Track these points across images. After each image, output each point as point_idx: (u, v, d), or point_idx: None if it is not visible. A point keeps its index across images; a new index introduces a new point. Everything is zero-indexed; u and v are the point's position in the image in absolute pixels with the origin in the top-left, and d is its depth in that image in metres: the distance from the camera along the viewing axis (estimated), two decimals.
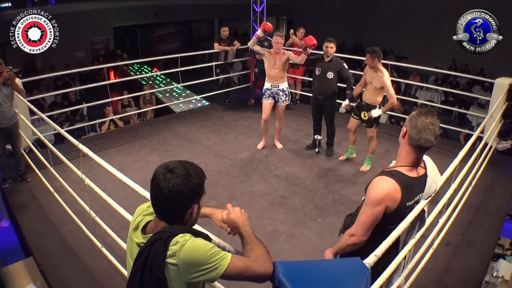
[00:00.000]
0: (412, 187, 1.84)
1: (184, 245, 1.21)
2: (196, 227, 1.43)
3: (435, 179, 1.93)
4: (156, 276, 1.21)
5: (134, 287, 1.26)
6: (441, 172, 2.46)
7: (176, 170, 1.28)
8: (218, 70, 6.98)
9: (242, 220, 1.43)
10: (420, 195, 1.91)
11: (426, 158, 1.94)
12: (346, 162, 4.95)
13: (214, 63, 6.92)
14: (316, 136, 5.24)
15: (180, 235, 1.24)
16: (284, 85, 5.01)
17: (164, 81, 11.81)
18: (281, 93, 5.00)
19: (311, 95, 5.42)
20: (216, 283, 1.89)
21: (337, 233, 2.28)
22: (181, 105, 8.90)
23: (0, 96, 4.16)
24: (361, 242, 1.85)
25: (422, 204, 1.95)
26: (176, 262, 1.20)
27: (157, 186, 1.27)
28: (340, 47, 14.44)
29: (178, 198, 1.26)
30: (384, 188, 1.79)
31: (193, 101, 9.15)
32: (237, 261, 1.27)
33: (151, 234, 1.30)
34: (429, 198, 1.97)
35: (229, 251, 1.48)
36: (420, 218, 2.06)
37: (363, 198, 1.97)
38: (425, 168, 1.91)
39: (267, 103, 5.05)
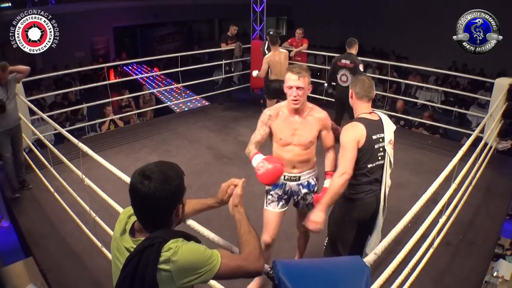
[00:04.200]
0: (372, 125, 2.30)
1: (177, 251, 1.19)
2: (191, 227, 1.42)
3: (389, 124, 2.38)
4: (148, 283, 1.18)
5: None
6: (441, 171, 2.47)
7: (153, 176, 1.22)
8: (227, 68, 7.01)
9: (233, 202, 1.48)
10: (383, 134, 2.31)
11: (378, 111, 2.45)
12: None
13: (224, 61, 6.95)
14: None
15: (172, 240, 1.21)
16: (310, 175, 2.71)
17: (164, 81, 11.81)
18: (303, 191, 2.66)
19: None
20: (215, 282, 1.89)
21: None
22: (181, 105, 8.90)
23: (3, 96, 3.98)
24: (350, 176, 2.21)
25: (390, 150, 2.34)
26: (170, 268, 1.18)
27: (136, 194, 1.22)
28: (340, 47, 14.50)
29: (160, 204, 1.23)
30: (352, 128, 2.28)
31: (193, 101, 9.16)
32: (228, 261, 1.26)
33: (141, 238, 1.26)
34: (392, 139, 2.37)
35: (218, 243, 1.52)
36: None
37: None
38: (378, 116, 2.37)
39: (274, 212, 2.66)
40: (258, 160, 2.36)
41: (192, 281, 1.21)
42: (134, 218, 1.35)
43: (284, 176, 2.56)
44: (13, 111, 4.05)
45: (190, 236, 1.30)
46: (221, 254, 1.26)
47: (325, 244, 2.71)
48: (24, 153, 4.50)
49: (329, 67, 7.00)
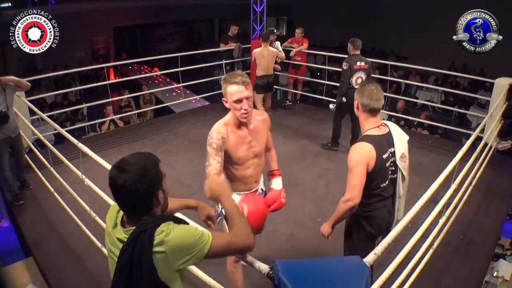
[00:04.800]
0: (381, 142, 2.15)
1: (169, 233, 1.23)
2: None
3: (400, 136, 2.23)
4: (147, 268, 1.22)
5: (122, 283, 1.26)
6: (441, 171, 2.47)
7: (128, 168, 1.27)
8: (228, 68, 7.03)
9: (223, 191, 1.49)
10: (393, 148, 2.19)
11: (387, 122, 2.27)
12: (346, 161, 4.94)
13: (224, 61, 6.95)
14: None
15: (164, 224, 1.26)
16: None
17: (164, 81, 11.82)
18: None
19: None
20: (211, 280, 1.89)
21: (337, 233, 2.31)
22: (181, 105, 8.90)
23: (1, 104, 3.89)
24: (356, 205, 2.12)
25: (402, 164, 2.21)
26: (164, 249, 1.22)
27: (115, 189, 1.27)
28: (340, 47, 14.52)
29: (139, 194, 1.27)
30: (361, 151, 2.11)
31: (193, 101, 9.15)
32: (218, 239, 1.30)
33: (132, 228, 1.29)
34: (406, 153, 2.24)
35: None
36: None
37: None
38: (387, 127, 2.22)
39: None
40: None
41: (187, 261, 1.26)
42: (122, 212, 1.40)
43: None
44: (12, 120, 3.97)
45: (180, 220, 1.36)
46: (212, 233, 1.31)
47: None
48: (27, 157, 4.46)
49: (329, 67, 7.08)
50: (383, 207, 2.24)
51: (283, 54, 6.24)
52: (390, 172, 2.20)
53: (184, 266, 1.27)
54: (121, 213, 1.38)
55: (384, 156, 2.14)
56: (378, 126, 2.19)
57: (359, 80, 4.91)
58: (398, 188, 2.25)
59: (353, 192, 2.11)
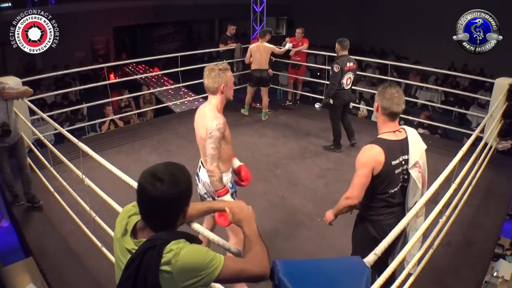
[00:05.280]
0: (394, 149, 2.11)
1: (178, 253, 1.18)
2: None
3: (417, 144, 2.17)
4: (151, 285, 1.18)
5: None
6: (441, 171, 2.47)
7: (165, 178, 1.22)
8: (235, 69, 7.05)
9: (245, 218, 1.41)
10: (407, 156, 2.15)
11: (406, 127, 2.23)
12: (346, 162, 4.94)
13: (224, 61, 6.95)
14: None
15: (173, 242, 1.21)
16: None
17: (164, 81, 11.82)
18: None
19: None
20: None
21: (337, 233, 2.33)
22: (181, 105, 8.90)
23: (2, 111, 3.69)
24: (354, 204, 2.15)
25: (416, 174, 2.16)
26: (171, 269, 1.17)
27: (146, 195, 1.22)
28: None
29: (171, 206, 1.24)
30: (368, 153, 2.10)
31: (193, 101, 9.15)
32: (231, 263, 1.24)
33: (143, 240, 1.26)
34: (421, 162, 2.18)
35: (229, 249, 1.48)
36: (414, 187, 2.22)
37: None
38: (405, 133, 2.18)
39: None
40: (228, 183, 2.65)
41: (195, 283, 1.20)
42: (135, 218, 1.35)
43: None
44: (13, 125, 3.80)
45: (192, 237, 1.29)
46: (225, 257, 1.25)
47: None
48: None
49: (329, 67, 7.06)
50: (390, 214, 2.21)
51: (280, 50, 6.36)
52: (401, 179, 2.17)
53: (191, 287, 1.21)
54: (133, 220, 1.34)
55: (394, 162, 2.10)
56: (394, 131, 2.15)
57: (348, 81, 4.98)
58: (407, 197, 2.20)
59: (353, 191, 2.13)
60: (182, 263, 1.18)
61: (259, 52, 6.10)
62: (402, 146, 2.14)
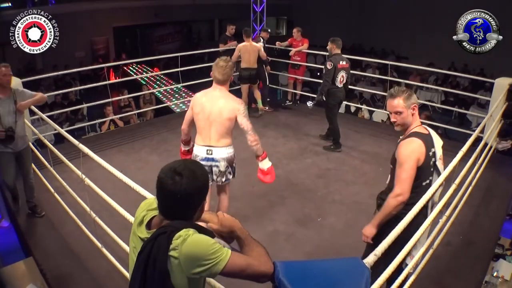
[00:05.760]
0: (427, 141, 2.21)
1: (186, 239, 1.23)
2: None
3: (438, 139, 2.29)
4: (159, 270, 1.22)
5: (136, 282, 1.27)
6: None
7: (184, 173, 1.27)
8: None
9: (237, 224, 1.42)
10: (434, 149, 2.23)
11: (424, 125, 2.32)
12: (346, 162, 4.95)
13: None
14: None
15: (184, 230, 1.25)
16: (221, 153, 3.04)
17: (164, 81, 11.81)
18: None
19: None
20: (216, 283, 1.89)
21: (337, 233, 2.31)
22: (181, 105, 8.90)
23: (9, 112, 3.51)
24: (406, 200, 2.12)
25: (441, 166, 2.27)
26: (178, 255, 1.21)
27: (166, 190, 1.27)
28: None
29: (190, 199, 1.29)
30: (412, 146, 2.16)
31: None
32: (238, 258, 1.27)
33: (155, 230, 1.30)
34: (441, 157, 2.28)
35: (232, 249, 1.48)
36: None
37: (387, 182, 2.35)
38: (428, 130, 2.29)
39: None
40: (268, 165, 3.14)
41: (200, 272, 1.23)
42: (152, 213, 1.39)
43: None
44: (20, 131, 3.61)
45: (203, 229, 1.32)
46: (232, 252, 1.27)
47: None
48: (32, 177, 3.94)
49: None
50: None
51: (264, 54, 6.40)
52: (431, 173, 2.24)
53: (197, 277, 1.25)
54: (150, 214, 1.38)
55: (430, 153, 2.19)
56: (423, 125, 2.28)
57: (342, 78, 5.05)
58: (431, 190, 2.18)
59: (403, 186, 2.12)
60: (188, 250, 1.21)
61: (248, 52, 6.16)
62: (430, 140, 2.23)
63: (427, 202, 2.19)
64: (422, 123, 2.35)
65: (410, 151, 2.14)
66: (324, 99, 5.08)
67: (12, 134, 3.51)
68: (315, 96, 7.31)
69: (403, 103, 2.21)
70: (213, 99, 2.90)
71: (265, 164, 3.07)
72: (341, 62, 4.99)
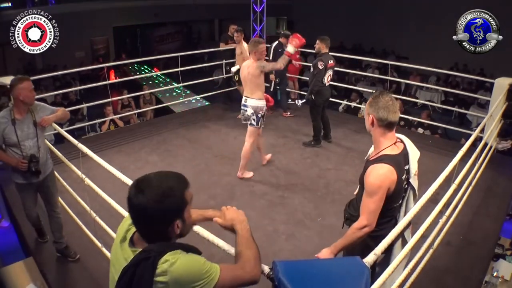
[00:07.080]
0: (400, 163, 1.97)
1: (175, 262, 1.16)
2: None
3: (414, 152, 2.09)
4: None
5: None
6: (441, 172, 2.47)
7: (146, 191, 1.18)
8: (228, 68, 7.02)
9: (239, 217, 1.42)
10: (408, 166, 2.05)
11: (402, 136, 2.10)
12: (346, 162, 4.94)
13: (224, 61, 6.94)
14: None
15: (170, 252, 1.18)
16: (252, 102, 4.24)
17: (164, 81, 11.81)
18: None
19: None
20: None
21: (337, 233, 2.29)
22: (181, 105, 8.90)
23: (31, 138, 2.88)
24: (371, 231, 1.95)
25: (416, 182, 2.12)
26: (167, 280, 1.14)
27: (130, 208, 1.21)
28: (340, 47, 14.51)
29: (153, 220, 1.20)
30: (382, 174, 1.90)
31: (193, 101, 9.15)
32: (226, 273, 1.24)
33: (138, 249, 1.23)
34: (416, 172, 2.11)
35: (228, 251, 1.48)
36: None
37: (355, 193, 2.17)
38: (402, 142, 2.06)
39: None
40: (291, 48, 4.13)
41: None
42: (134, 228, 1.33)
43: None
44: (43, 155, 2.98)
45: (190, 248, 1.26)
46: (221, 267, 1.24)
47: None
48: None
49: None
50: (391, 227, 2.05)
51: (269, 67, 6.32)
52: (404, 191, 2.08)
53: None
54: (134, 228, 1.31)
55: (403, 177, 1.99)
56: (395, 143, 2.00)
57: (329, 78, 5.11)
58: (408, 206, 2.13)
59: (370, 218, 1.93)
60: (179, 273, 1.16)
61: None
62: (404, 157, 2.03)
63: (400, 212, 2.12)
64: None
65: (381, 181, 1.89)
66: (314, 98, 5.12)
67: (38, 168, 2.87)
68: (304, 94, 7.37)
69: (367, 106, 2.01)
70: (246, 64, 4.21)
71: (289, 48, 4.13)
72: (330, 61, 5.05)
